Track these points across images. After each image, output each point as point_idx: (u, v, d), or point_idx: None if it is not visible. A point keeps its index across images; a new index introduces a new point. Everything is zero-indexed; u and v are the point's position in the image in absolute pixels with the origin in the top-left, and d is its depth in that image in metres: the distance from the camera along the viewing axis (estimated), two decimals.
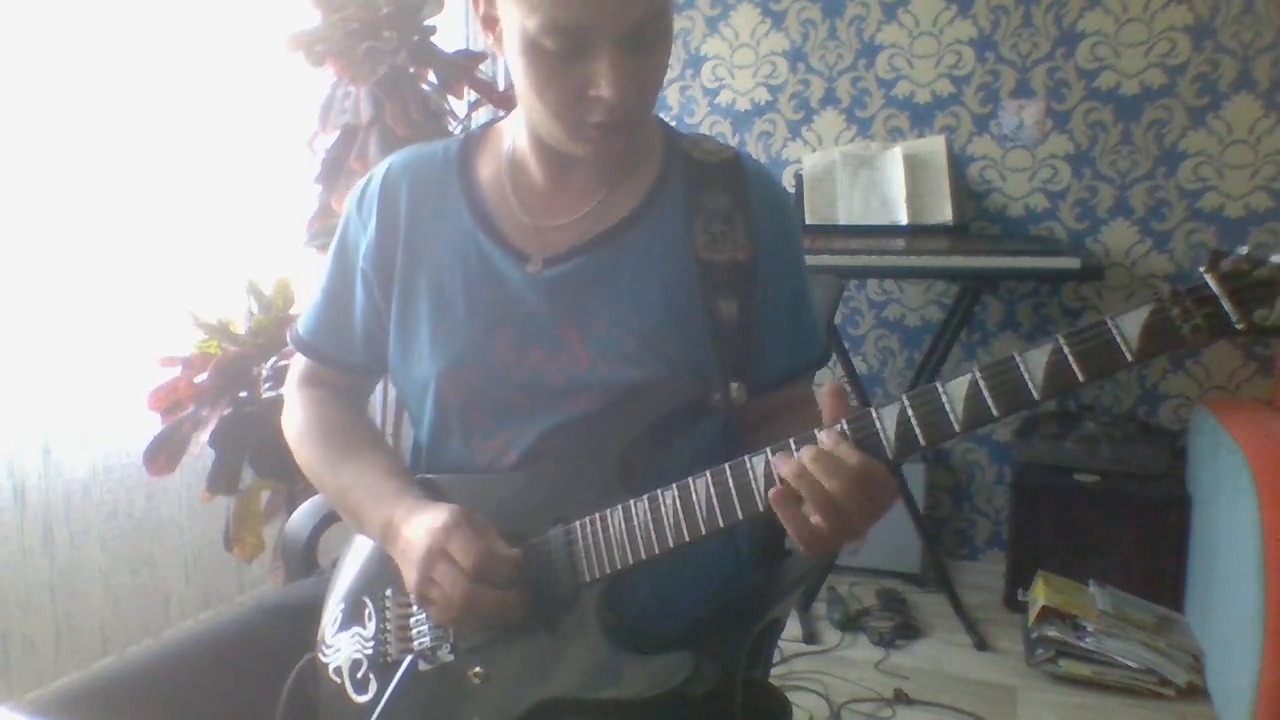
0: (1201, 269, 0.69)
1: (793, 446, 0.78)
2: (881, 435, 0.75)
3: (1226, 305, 0.67)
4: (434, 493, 0.97)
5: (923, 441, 0.74)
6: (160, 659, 0.98)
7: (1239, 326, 0.67)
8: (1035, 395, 0.71)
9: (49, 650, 1.96)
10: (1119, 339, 0.69)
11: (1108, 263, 2.71)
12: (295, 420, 1.08)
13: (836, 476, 0.74)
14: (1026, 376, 0.71)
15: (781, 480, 0.77)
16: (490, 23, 0.90)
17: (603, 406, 0.92)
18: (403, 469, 1.00)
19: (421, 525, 0.88)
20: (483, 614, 0.86)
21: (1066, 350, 0.70)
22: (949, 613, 2.55)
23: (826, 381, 0.80)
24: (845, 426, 0.76)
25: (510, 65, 0.90)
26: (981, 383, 0.72)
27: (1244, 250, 0.68)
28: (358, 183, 1.07)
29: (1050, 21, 2.71)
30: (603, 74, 0.82)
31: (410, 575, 0.88)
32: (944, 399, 0.73)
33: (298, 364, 1.12)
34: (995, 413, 0.72)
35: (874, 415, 0.75)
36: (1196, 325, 0.67)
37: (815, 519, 0.75)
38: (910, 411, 0.74)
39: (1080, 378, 0.70)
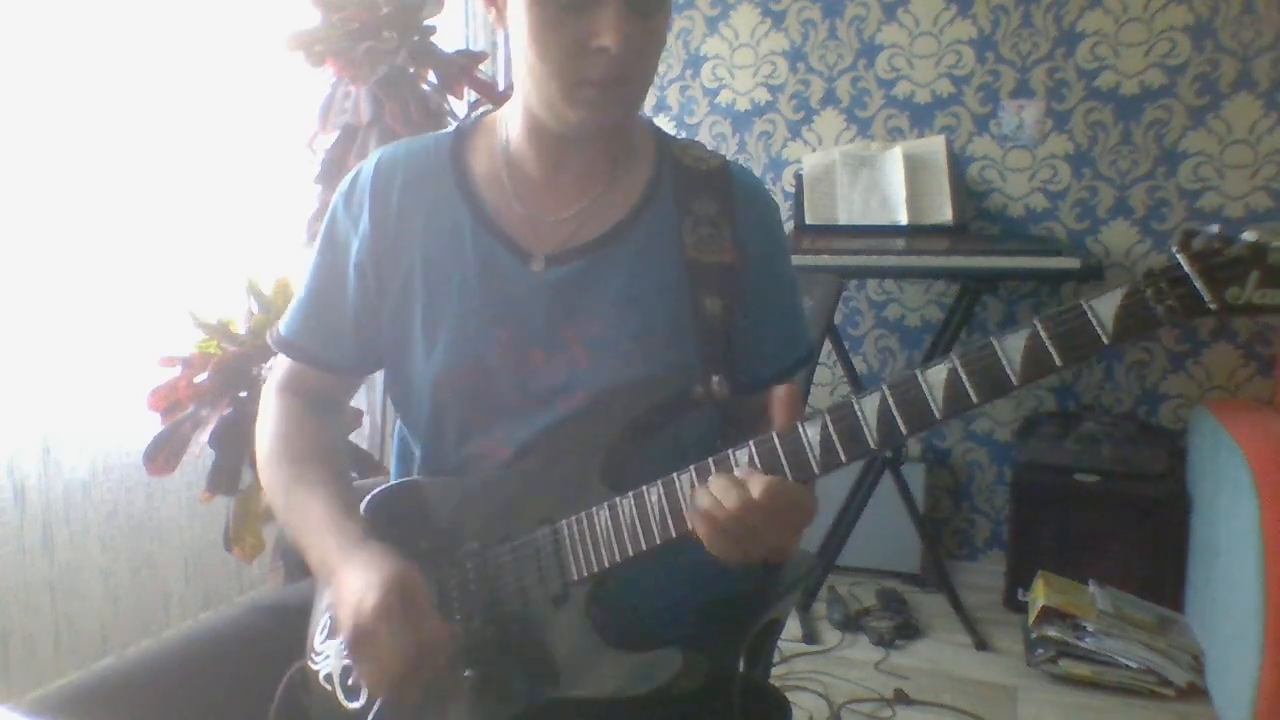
0: (1174, 248, 0.69)
1: (775, 443, 0.78)
2: (863, 425, 0.75)
3: (1199, 284, 0.67)
4: (418, 498, 0.96)
5: (904, 430, 0.74)
6: (159, 659, 0.98)
7: (1211, 306, 0.67)
8: (1014, 381, 0.71)
9: (49, 650, 1.96)
10: (1094, 322, 0.69)
11: (1108, 263, 2.71)
12: (263, 431, 1.06)
13: (737, 501, 0.75)
14: (1004, 362, 0.71)
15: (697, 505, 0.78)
16: None
17: (591, 404, 0.93)
18: (344, 501, 0.98)
19: (353, 589, 0.85)
20: (414, 691, 0.85)
21: (1043, 334, 0.70)
22: (949, 613, 2.55)
23: (785, 386, 0.80)
24: (827, 416, 0.77)
25: (512, 29, 0.90)
26: (960, 369, 0.73)
27: (1215, 228, 0.69)
28: (345, 177, 1.05)
29: (1050, 21, 2.71)
30: (605, 23, 0.83)
31: (343, 636, 0.87)
32: (924, 387, 0.74)
33: (279, 368, 1.10)
34: (974, 399, 0.73)
35: (855, 405, 0.76)
36: (1170, 306, 0.68)
37: (724, 538, 0.77)
38: (891, 400, 0.75)
39: (1058, 361, 0.70)
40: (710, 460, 0.81)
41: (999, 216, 2.84)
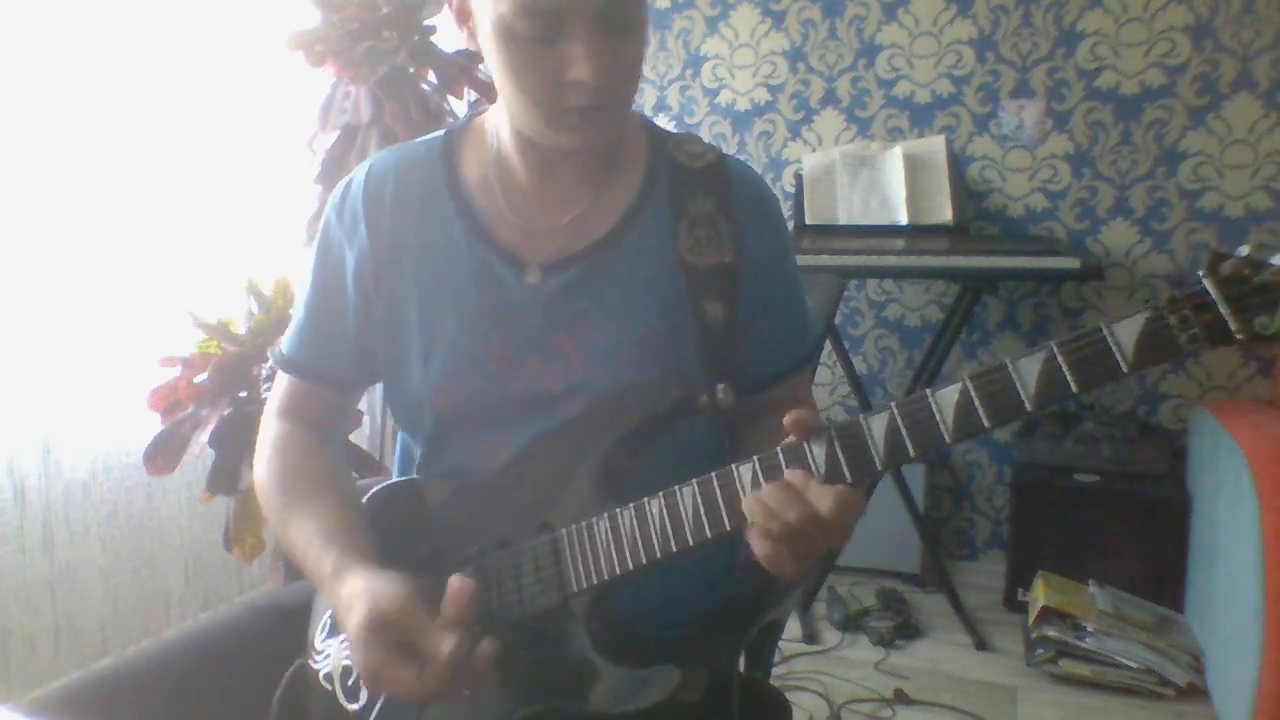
0: (1200, 273, 0.65)
1: (780, 460, 0.76)
2: (871, 446, 0.73)
3: (1225, 312, 0.64)
4: (418, 498, 0.95)
5: (912, 453, 0.72)
6: (159, 659, 0.98)
7: (1239, 336, 0.63)
8: (1028, 406, 0.69)
9: (49, 650, 1.96)
10: (1114, 348, 0.66)
11: (1108, 263, 2.71)
12: (260, 457, 1.04)
13: (800, 512, 0.72)
14: (1019, 386, 0.69)
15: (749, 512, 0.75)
16: (464, 16, 0.90)
17: (590, 408, 0.92)
18: (338, 526, 0.93)
19: (343, 626, 0.83)
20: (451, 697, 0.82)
21: (1060, 359, 0.68)
22: (949, 613, 2.55)
23: (792, 410, 0.76)
24: (834, 435, 0.75)
25: (486, 56, 0.88)
26: (972, 392, 0.70)
27: (1245, 251, 0.65)
28: (336, 189, 1.03)
29: (1050, 21, 2.71)
30: (578, 56, 0.81)
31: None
32: (934, 408, 0.71)
33: (277, 391, 1.07)
34: (986, 423, 0.70)
35: (863, 425, 0.74)
36: (1194, 335, 0.64)
37: (780, 547, 0.74)
38: (900, 421, 0.72)
39: (1074, 388, 0.67)
40: (713, 475, 0.79)
41: (999, 216, 2.84)
